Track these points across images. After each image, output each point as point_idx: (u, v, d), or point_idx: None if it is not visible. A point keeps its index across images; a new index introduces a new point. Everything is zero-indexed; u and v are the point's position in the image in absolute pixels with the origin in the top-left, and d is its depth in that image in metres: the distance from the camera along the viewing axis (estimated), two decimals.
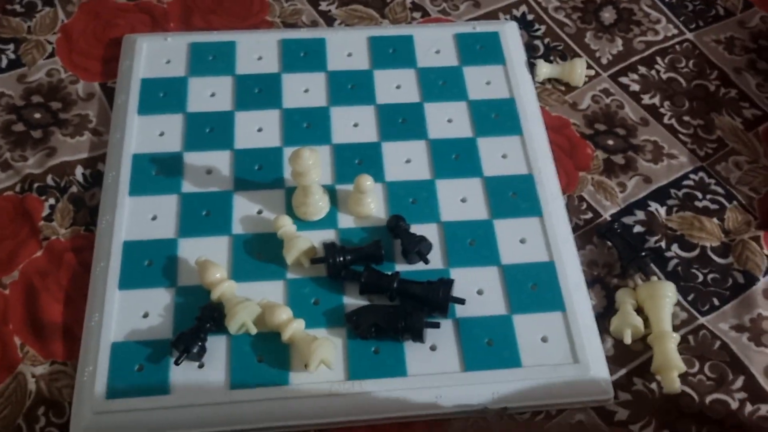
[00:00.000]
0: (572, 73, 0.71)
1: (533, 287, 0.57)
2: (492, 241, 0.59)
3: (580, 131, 0.69)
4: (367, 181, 0.57)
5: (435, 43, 0.72)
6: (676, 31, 0.77)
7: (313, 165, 0.56)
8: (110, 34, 0.73)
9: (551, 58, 0.74)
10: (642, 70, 0.74)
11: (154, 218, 0.60)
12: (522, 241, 0.60)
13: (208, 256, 0.57)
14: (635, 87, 0.72)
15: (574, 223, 0.63)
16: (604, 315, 0.58)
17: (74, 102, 0.68)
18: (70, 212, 0.62)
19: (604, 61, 0.74)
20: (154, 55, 0.69)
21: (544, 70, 0.71)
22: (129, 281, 0.56)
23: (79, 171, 0.64)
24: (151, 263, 0.57)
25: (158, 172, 0.62)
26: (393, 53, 0.71)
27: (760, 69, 0.74)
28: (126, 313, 0.55)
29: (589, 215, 0.64)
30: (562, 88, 0.72)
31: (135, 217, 0.60)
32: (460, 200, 0.62)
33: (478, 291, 0.57)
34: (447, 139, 0.65)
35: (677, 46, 0.76)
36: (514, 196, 0.62)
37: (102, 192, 0.62)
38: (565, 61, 0.74)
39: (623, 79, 0.73)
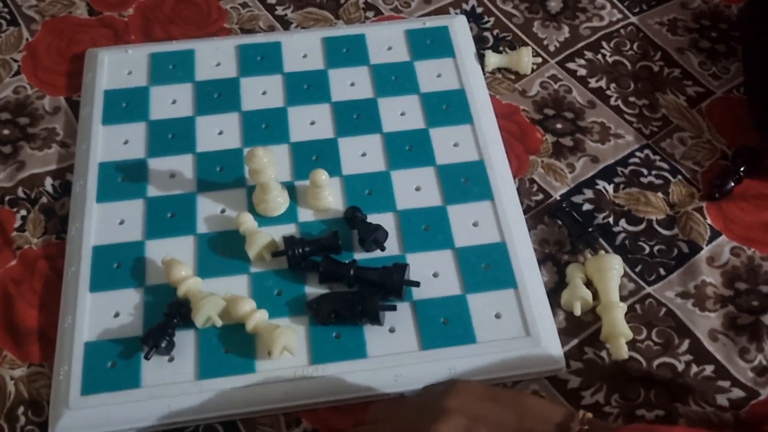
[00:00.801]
0: (519, 62, 0.74)
1: (486, 267, 0.60)
2: (446, 226, 0.62)
3: (530, 117, 0.72)
4: (322, 175, 0.60)
5: (387, 41, 0.74)
6: (620, 16, 0.80)
7: (268, 162, 0.58)
8: (74, 50, 0.75)
9: (500, 48, 0.77)
10: (588, 55, 0.77)
11: (121, 223, 0.62)
12: (475, 225, 0.62)
13: (174, 255, 0.59)
14: (582, 72, 0.75)
15: (525, 205, 0.66)
16: (556, 290, 0.61)
17: (41, 117, 0.71)
18: (41, 222, 0.64)
19: (551, 48, 0.77)
20: (115, 67, 0.72)
21: (493, 60, 0.74)
22: (99, 284, 0.59)
23: (48, 182, 0.67)
24: (119, 266, 0.60)
25: (124, 179, 0.65)
26: (346, 52, 0.73)
27: (702, 48, 0.77)
28: (97, 314, 0.58)
29: (540, 196, 0.67)
30: (512, 77, 0.75)
31: (103, 222, 0.62)
32: (414, 189, 0.64)
33: (434, 274, 0.60)
34: (400, 132, 0.68)
35: (622, 30, 0.79)
36: (466, 182, 0.65)
37: (71, 201, 0.64)
38: (513, 50, 0.77)
39: (570, 65, 0.76)
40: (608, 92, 0.74)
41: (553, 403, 0.49)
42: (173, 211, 0.63)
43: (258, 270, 0.60)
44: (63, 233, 0.63)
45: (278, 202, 0.62)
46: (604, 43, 0.78)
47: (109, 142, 0.67)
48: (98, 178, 0.64)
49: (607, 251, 0.63)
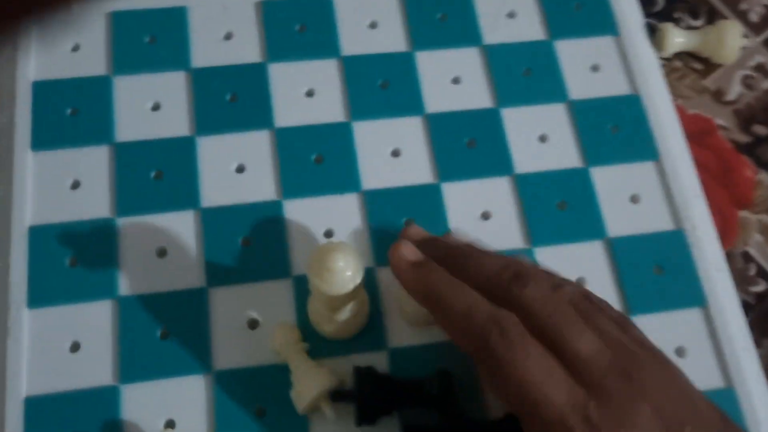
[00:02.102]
0: (721, 44, 0.46)
1: None
2: None
3: (733, 139, 0.45)
4: None
5: (506, 3, 0.46)
6: None
7: (353, 274, 0.31)
8: None
9: (675, 17, 0.49)
10: None
11: (74, 349, 0.35)
12: (679, 353, 0.37)
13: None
14: None
15: (741, 300, 0.41)
16: None
17: None
18: None
19: (753, 17, 0.49)
20: (51, 36, 0.42)
21: (677, 39, 0.46)
22: None
23: None
24: None
25: (75, 262, 0.37)
26: (442, 20, 0.44)
27: None
28: None
29: (762, 286, 0.42)
30: (698, 66, 0.47)
31: (37, 337, 0.35)
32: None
33: None
34: (542, 173, 0.41)
35: None
36: (659, 271, 0.39)
37: None
38: (695, 19, 0.48)
39: None
40: None
41: None
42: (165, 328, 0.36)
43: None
44: None
45: (358, 319, 0.35)
46: None
47: (46, 185, 0.39)
48: (28, 258, 0.37)
49: None
